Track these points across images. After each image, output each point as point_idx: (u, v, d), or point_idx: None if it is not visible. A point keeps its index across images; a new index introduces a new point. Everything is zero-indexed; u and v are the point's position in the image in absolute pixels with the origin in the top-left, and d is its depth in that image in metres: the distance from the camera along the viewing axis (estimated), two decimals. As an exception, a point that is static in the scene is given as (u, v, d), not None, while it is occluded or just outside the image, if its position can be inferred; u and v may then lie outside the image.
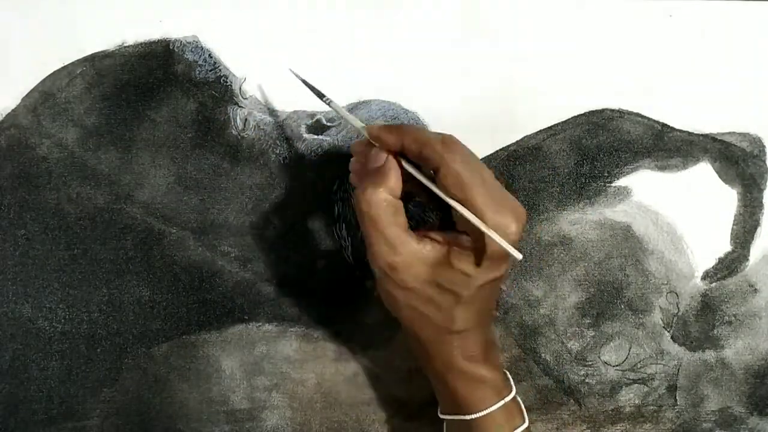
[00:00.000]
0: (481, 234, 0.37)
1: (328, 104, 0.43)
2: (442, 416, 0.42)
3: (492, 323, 0.43)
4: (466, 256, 0.38)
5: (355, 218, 0.47)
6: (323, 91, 0.43)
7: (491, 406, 0.40)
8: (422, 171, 0.39)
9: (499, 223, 0.37)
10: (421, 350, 0.41)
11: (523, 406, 0.42)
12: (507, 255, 0.38)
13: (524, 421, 0.41)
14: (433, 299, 0.39)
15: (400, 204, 0.39)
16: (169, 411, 0.46)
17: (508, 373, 0.43)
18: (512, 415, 0.41)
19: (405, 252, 0.38)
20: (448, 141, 0.38)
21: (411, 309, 0.40)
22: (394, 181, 0.38)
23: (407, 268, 0.38)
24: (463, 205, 0.37)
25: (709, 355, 0.49)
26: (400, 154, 0.39)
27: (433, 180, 0.38)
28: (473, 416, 0.40)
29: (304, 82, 0.44)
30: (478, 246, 0.38)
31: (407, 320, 0.41)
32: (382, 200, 0.38)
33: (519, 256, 0.37)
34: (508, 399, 0.41)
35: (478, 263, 0.38)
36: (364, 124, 0.41)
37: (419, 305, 0.39)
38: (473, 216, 0.37)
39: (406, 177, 0.39)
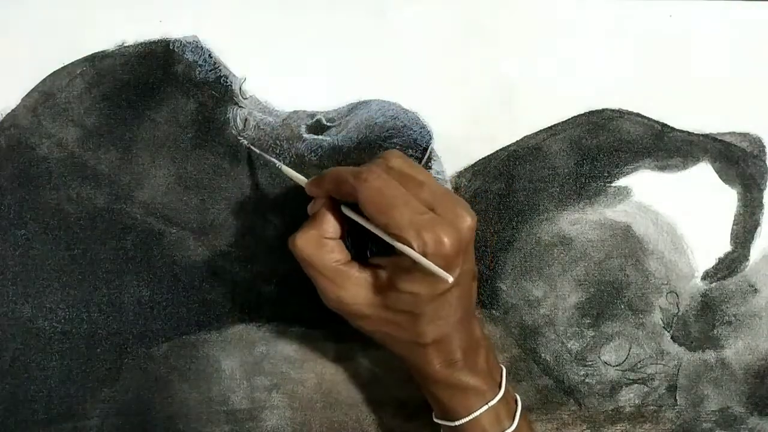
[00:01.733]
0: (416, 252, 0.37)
1: (279, 168, 0.44)
2: (435, 421, 0.43)
3: (474, 322, 0.42)
4: (408, 275, 0.38)
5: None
6: (272, 158, 0.46)
7: (475, 412, 0.40)
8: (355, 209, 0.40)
9: (426, 241, 0.36)
10: (402, 362, 0.42)
11: (516, 404, 0.42)
12: (449, 266, 0.37)
13: (512, 423, 0.41)
14: (392, 321, 0.40)
15: (336, 243, 0.40)
16: (169, 411, 0.46)
17: (503, 368, 0.43)
18: (499, 418, 0.41)
19: (347, 283, 0.39)
20: (362, 172, 0.38)
21: (376, 332, 0.41)
22: (327, 223, 0.40)
23: (354, 299, 0.40)
24: (387, 228, 0.37)
25: (709, 355, 0.49)
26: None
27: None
28: (457, 423, 0.41)
29: (258, 152, 0.46)
30: (412, 264, 0.37)
31: (379, 341, 0.42)
32: (312, 240, 0.39)
33: (448, 277, 0.36)
34: (492, 403, 0.40)
35: (420, 280, 0.38)
36: (305, 180, 0.42)
37: (381, 328, 0.40)
38: (391, 239, 0.37)
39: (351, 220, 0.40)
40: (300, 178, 0.43)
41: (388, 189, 0.37)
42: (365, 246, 0.44)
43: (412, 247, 0.36)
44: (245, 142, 0.46)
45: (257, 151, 0.46)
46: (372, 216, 0.38)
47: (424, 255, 0.36)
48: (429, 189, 0.38)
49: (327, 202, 0.40)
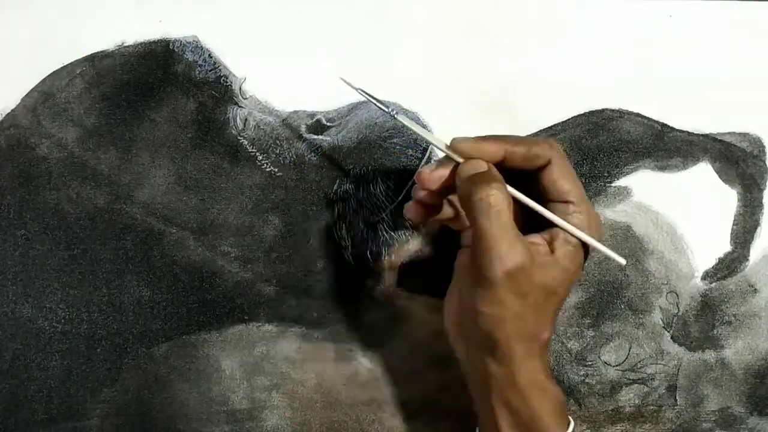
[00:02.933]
0: (591, 224, 0.38)
1: (394, 116, 0.41)
2: None
3: None
4: (566, 251, 0.38)
5: (355, 218, 0.47)
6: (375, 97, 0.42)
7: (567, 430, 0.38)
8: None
9: (593, 216, 0.39)
10: (502, 369, 0.37)
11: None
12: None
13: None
14: (537, 303, 0.37)
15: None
16: (169, 411, 0.46)
17: None
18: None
19: (525, 253, 0.36)
20: (551, 141, 0.39)
21: (512, 321, 0.37)
22: (503, 183, 0.37)
23: (528, 271, 0.36)
24: (567, 197, 0.38)
25: (709, 355, 0.49)
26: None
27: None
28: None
29: (366, 94, 0.42)
30: (572, 240, 0.38)
31: (502, 334, 0.37)
32: (506, 198, 0.36)
33: (622, 261, 0.39)
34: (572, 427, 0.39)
35: (573, 255, 0.38)
36: (446, 142, 0.39)
37: (524, 311, 0.37)
38: (568, 225, 0.38)
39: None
40: (432, 138, 0.40)
41: (568, 163, 0.39)
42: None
43: (590, 218, 0.39)
44: (358, 90, 0.42)
45: (369, 96, 0.41)
46: (559, 181, 0.38)
47: (597, 228, 0.39)
48: None
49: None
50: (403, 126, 0.41)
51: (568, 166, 0.39)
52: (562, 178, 0.38)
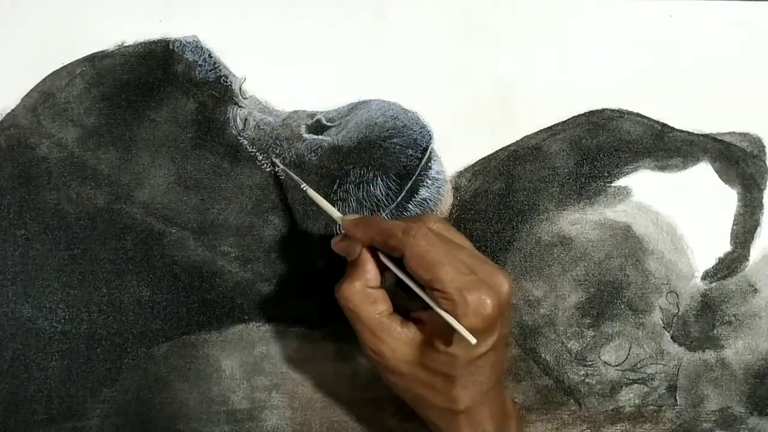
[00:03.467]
0: (457, 311, 0.37)
1: (305, 191, 0.44)
2: None
3: (506, 393, 0.42)
4: (447, 335, 0.38)
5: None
6: (300, 179, 0.45)
7: None
8: (394, 259, 0.40)
9: (468, 301, 0.37)
10: (431, 427, 0.41)
11: None
12: (490, 328, 0.38)
13: None
14: (426, 382, 0.39)
15: (379, 292, 0.40)
16: (169, 411, 0.46)
17: None
18: None
19: (388, 338, 0.39)
20: (411, 227, 0.38)
21: (408, 392, 0.40)
22: (369, 272, 0.40)
23: (393, 353, 0.39)
24: (431, 285, 0.37)
25: (709, 355, 0.49)
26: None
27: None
28: None
29: (284, 170, 0.46)
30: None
31: (410, 402, 0.41)
32: (358, 291, 0.40)
33: (472, 340, 0.37)
34: None
35: (458, 342, 0.38)
36: (341, 216, 0.43)
37: (414, 388, 0.40)
38: (429, 299, 0.38)
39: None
40: (332, 210, 0.43)
41: (435, 247, 0.38)
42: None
43: (455, 305, 0.37)
44: (272, 159, 0.46)
45: (282, 167, 0.46)
46: (417, 272, 0.38)
47: (466, 315, 0.37)
48: (468, 253, 0.39)
49: (367, 249, 0.40)
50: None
51: (424, 254, 0.38)
52: (419, 269, 0.38)
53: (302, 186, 0.45)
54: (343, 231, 0.42)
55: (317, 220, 0.47)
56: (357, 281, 0.40)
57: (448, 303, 0.37)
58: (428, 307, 0.39)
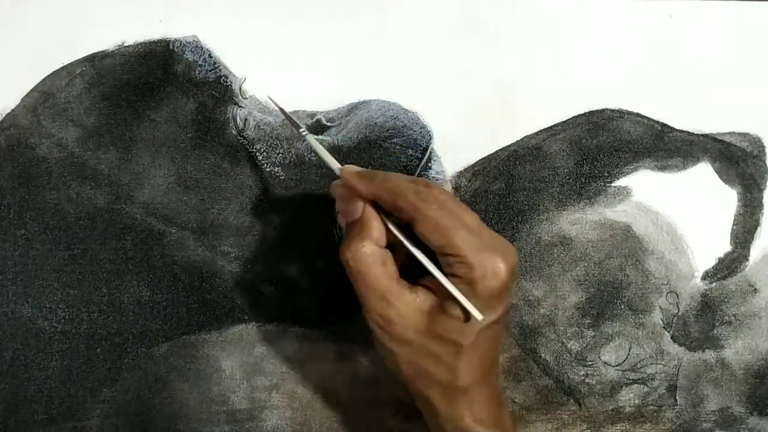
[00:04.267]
0: (471, 276, 0.36)
1: (304, 137, 0.42)
2: None
3: (498, 379, 0.41)
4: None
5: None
6: (299, 122, 0.43)
7: None
8: (393, 218, 0.38)
9: (485, 263, 0.36)
10: (428, 411, 0.39)
11: None
12: (502, 294, 0.37)
13: None
14: (432, 352, 0.37)
15: (387, 253, 0.38)
16: (169, 411, 0.46)
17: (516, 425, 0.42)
18: None
19: (398, 303, 0.37)
20: (421, 190, 0.37)
21: (411, 365, 0.38)
22: (376, 231, 0.37)
23: (403, 320, 0.37)
24: (444, 250, 0.36)
25: (709, 355, 0.49)
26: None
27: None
28: None
29: (282, 111, 0.43)
30: (471, 285, 0.36)
31: (409, 378, 0.39)
32: (368, 254, 0.37)
33: (478, 315, 0.36)
34: None
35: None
36: (340, 166, 0.40)
37: (419, 359, 0.38)
38: (436, 270, 0.37)
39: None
40: (331, 161, 0.40)
41: (448, 212, 0.36)
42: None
43: (472, 269, 0.35)
44: (276, 104, 0.43)
45: (280, 107, 0.43)
46: (430, 237, 0.36)
47: (485, 277, 0.35)
48: (478, 219, 0.37)
49: (371, 206, 0.38)
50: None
51: (438, 217, 0.36)
52: (432, 234, 0.36)
53: (301, 130, 0.42)
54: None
55: (317, 220, 0.47)
56: (365, 240, 0.37)
57: (464, 267, 0.36)
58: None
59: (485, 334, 0.37)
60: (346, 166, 0.40)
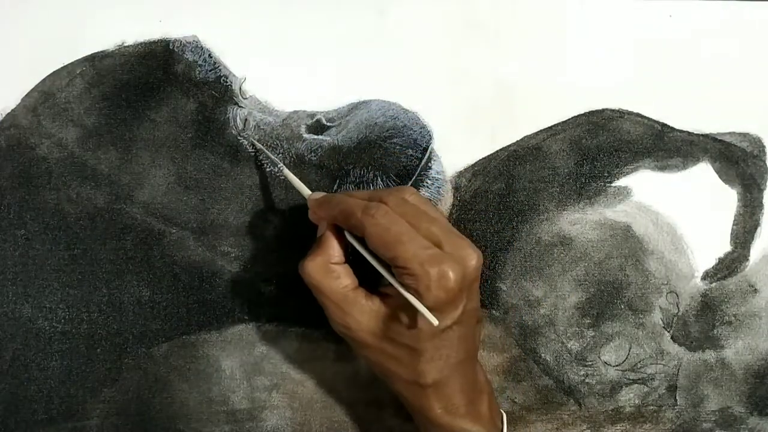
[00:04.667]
0: (420, 286, 0.37)
1: (280, 169, 0.45)
2: None
3: (477, 367, 0.42)
4: (412, 308, 0.38)
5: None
6: (276, 159, 0.46)
7: None
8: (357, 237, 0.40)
9: (430, 274, 0.37)
10: (404, 403, 0.42)
11: None
12: (454, 301, 0.38)
13: None
14: (392, 354, 0.40)
15: (342, 268, 0.41)
16: (169, 411, 0.46)
17: (504, 414, 0.43)
18: None
19: (353, 311, 0.40)
20: (371, 206, 0.38)
21: (377, 365, 0.41)
22: (333, 248, 0.41)
23: (359, 326, 0.40)
24: (394, 262, 0.38)
25: (709, 355, 0.49)
26: None
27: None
28: None
29: (260, 147, 0.46)
30: (418, 295, 0.38)
31: (380, 375, 0.42)
32: (320, 267, 0.40)
33: (434, 321, 0.37)
34: None
35: (421, 316, 0.38)
36: (309, 193, 0.43)
37: (382, 361, 0.40)
38: (387, 275, 0.39)
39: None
40: (302, 188, 0.44)
41: (395, 225, 0.38)
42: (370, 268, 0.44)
43: (418, 280, 0.37)
44: (249, 138, 0.46)
45: (260, 146, 0.46)
46: (377, 250, 0.38)
47: (429, 289, 0.37)
48: (439, 225, 0.39)
49: (332, 226, 0.41)
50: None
51: (381, 232, 0.38)
52: (379, 248, 0.38)
53: (279, 166, 0.45)
54: None
55: (317, 220, 0.47)
56: (319, 257, 0.40)
57: (412, 278, 0.37)
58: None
59: (446, 335, 0.39)
60: (313, 193, 0.43)
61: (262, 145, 0.47)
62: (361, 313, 0.40)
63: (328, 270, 0.40)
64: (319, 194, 0.43)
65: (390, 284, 0.39)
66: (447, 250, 0.38)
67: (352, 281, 0.41)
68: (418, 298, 0.37)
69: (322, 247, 0.41)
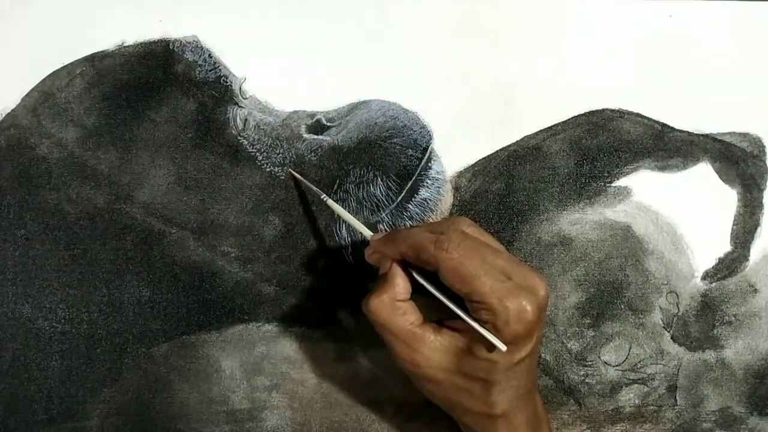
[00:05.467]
0: (498, 321, 0.37)
1: (326, 202, 0.45)
2: None
3: (537, 397, 0.42)
4: (487, 342, 0.38)
5: (355, 218, 0.47)
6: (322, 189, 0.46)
7: None
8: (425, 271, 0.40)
9: (508, 309, 0.37)
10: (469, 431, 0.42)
11: None
12: (529, 334, 0.38)
13: None
14: (463, 388, 0.39)
15: (408, 304, 0.40)
16: (169, 411, 0.46)
17: None
18: None
19: (422, 347, 0.39)
20: (441, 240, 0.38)
21: (446, 399, 0.40)
22: (399, 286, 0.40)
23: (428, 362, 0.39)
24: (470, 297, 0.38)
25: (709, 355, 0.49)
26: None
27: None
28: None
29: (303, 181, 0.46)
30: (496, 331, 0.38)
31: (447, 409, 0.41)
32: (386, 305, 0.39)
33: (503, 347, 0.37)
34: None
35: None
36: (371, 234, 0.42)
37: (452, 395, 0.40)
38: (463, 313, 0.38)
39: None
40: (363, 229, 0.43)
41: (468, 259, 0.38)
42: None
43: (496, 315, 0.37)
44: (289, 170, 0.46)
45: (304, 181, 0.46)
46: (454, 286, 0.38)
47: (508, 324, 0.37)
48: (504, 257, 0.39)
49: (398, 262, 0.40)
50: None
51: (458, 267, 0.37)
52: (455, 283, 0.38)
53: (322, 197, 0.45)
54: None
55: (317, 220, 0.47)
56: (384, 294, 0.40)
57: (489, 313, 0.37)
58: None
59: (518, 366, 0.39)
60: (374, 234, 0.42)
61: (262, 144, 0.47)
62: (431, 350, 0.39)
63: (395, 307, 0.40)
64: (381, 234, 0.42)
65: (457, 317, 0.39)
66: (516, 281, 0.38)
67: (418, 317, 0.40)
68: (494, 333, 0.37)
69: (387, 283, 0.40)
